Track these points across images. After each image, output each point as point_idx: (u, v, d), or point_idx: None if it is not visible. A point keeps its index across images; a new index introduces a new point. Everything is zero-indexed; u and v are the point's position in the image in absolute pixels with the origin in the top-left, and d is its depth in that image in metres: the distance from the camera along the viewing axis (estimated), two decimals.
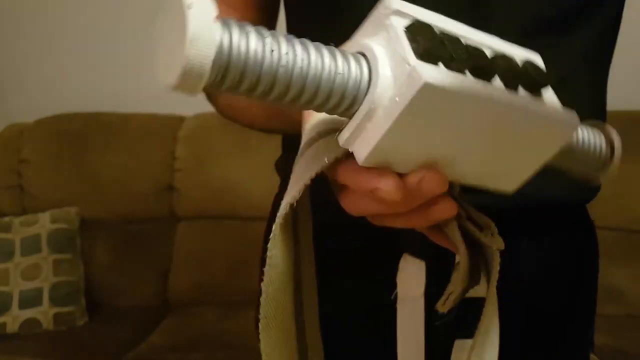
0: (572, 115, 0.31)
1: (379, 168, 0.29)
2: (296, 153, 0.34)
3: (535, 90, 0.30)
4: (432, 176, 0.30)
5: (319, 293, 0.44)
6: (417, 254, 0.44)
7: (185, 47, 0.22)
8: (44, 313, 1.73)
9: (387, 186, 0.29)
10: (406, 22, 0.28)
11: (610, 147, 0.37)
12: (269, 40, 0.25)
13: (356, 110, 0.27)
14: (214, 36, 0.23)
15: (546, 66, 0.32)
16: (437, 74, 0.26)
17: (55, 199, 1.91)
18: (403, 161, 0.29)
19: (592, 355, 0.62)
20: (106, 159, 1.93)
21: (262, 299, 0.34)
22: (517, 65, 0.30)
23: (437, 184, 0.30)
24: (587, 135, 0.35)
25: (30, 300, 1.73)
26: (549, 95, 0.31)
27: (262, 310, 0.34)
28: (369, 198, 0.31)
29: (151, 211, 1.93)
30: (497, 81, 0.29)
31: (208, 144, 1.89)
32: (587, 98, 0.53)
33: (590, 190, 0.56)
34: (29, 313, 1.72)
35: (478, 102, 0.27)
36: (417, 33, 0.27)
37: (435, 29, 0.28)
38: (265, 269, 0.33)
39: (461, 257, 0.34)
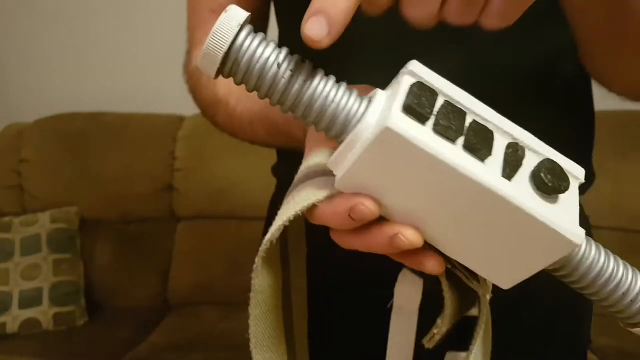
0: (575, 231, 0.29)
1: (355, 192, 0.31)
2: (290, 159, 0.35)
3: (545, 190, 0.29)
4: (409, 233, 0.30)
5: (317, 310, 0.45)
6: (415, 270, 0.45)
7: (209, 37, 0.29)
8: (44, 313, 1.73)
9: (365, 201, 0.30)
10: (413, 82, 0.30)
11: None
12: (277, 54, 0.30)
13: (344, 139, 0.31)
14: (231, 35, 0.29)
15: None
16: (407, 124, 0.28)
17: (55, 199, 1.91)
18: (382, 202, 0.31)
19: (591, 355, 0.62)
20: (106, 159, 1.93)
21: (250, 321, 0.36)
22: (522, 158, 0.30)
23: (410, 241, 0.30)
24: (613, 266, 0.33)
25: (30, 300, 1.73)
26: (566, 201, 0.30)
27: (251, 330, 0.36)
28: (348, 221, 0.31)
29: (151, 211, 1.93)
30: (494, 163, 0.29)
31: (208, 144, 1.89)
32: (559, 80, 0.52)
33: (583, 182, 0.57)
34: (29, 313, 1.72)
35: (448, 169, 0.28)
36: (416, 91, 0.29)
37: (442, 96, 0.30)
38: (251, 294, 0.35)
39: (447, 305, 0.35)
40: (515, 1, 0.31)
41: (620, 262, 0.34)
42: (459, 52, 0.48)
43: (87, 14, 2.07)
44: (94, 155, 1.93)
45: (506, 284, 0.33)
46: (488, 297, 0.37)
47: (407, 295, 0.42)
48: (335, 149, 0.32)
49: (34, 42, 2.12)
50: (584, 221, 0.61)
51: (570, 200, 0.31)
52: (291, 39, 0.53)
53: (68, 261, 1.81)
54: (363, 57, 0.50)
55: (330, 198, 0.31)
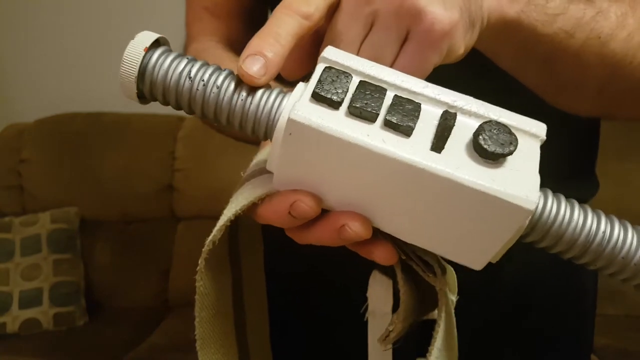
0: (526, 197, 0.26)
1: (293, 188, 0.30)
2: None
3: (486, 155, 0.27)
4: (356, 223, 0.30)
5: (287, 309, 0.44)
6: (385, 272, 0.45)
7: (120, 65, 0.30)
8: (44, 313, 1.73)
9: (304, 197, 0.30)
10: (324, 67, 0.29)
11: None
12: (189, 68, 0.30)
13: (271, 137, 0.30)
14: (137, 60, 0.30)
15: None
16: (312, 113, 0.27)
17: (55, 199, 1.91)
18: (324, 197, 0.30)
19: (592, 356, 0.62)
20: (106, 159, 1.93)
21: (196, 322, 0.36)
22: (452, 124, 0.28)
23: (357, 232, 0.30)
24: (591, 222, 0.29)
25: (30, 300, 1.73)
26: (518, 165, 0.27)
27: (197, 332, 0.36)
28: (290, 218, 0.30)
29: (151, 211, 1.93)
30: (417, 136, 0.27)
31: (208, 144, 1.89)
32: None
33: (588, 188, 0.56)
34: (29, 313, 1.72)
35: (364, 152, 0.27)
36: (328, 78, 0.28)
37: (357, 76, 0.29)
38: (196, 297, 0.35)
39: (402, 300, 0.34)
40: (415, 70, 0.31)
41: (603, 216, 0.29)
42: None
43: (87, 14, 2.07)
44: (94, 156, 1.93)
45: (476, 264, 0.30)
46: (453, 298, 0.35)
47: (378, 298, 0.42)
48: None
49: (34, 42, 2.11)
50: None
51: (525, 162, 0.27)
52: None
53: (68, 261, 1.81)
54: None
55: (270, 196, 0.31)
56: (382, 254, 0.31)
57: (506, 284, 0.54)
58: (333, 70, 0.29)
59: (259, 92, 0.30)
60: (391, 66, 0.32)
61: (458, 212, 0.27)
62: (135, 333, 1.71)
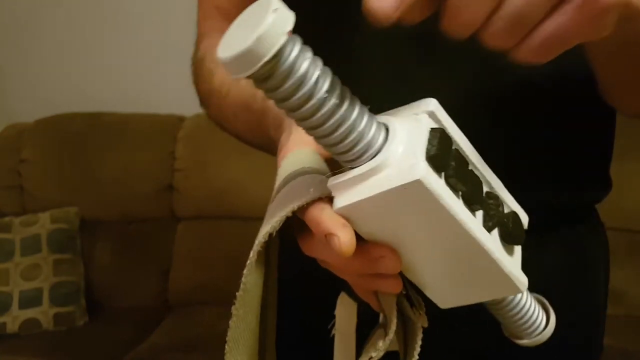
0: (523, 281, 0.33)
1: (345, 221, 0.31)
2: None
3: (507, 241, 0.33)
4: (393, 258, 0.31)
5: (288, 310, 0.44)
6: (351, 295, 0.45)
7: (253, 38, 0.26)
8: (44, 313, 1.73)
9: (344, 236, 0.30)
10: (433, 126, 0.31)
11: (546, 321, 0.40)
12: (318, 73, 0.28)
13: (356, 166, 0.30)
14: (277, 43, 0.26)
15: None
16: (433, 178, 0.28)
17: (55, 199, 1.91)
18: (371, 229, 0.32)
19: None
20: (106, 159, 1.93)
21: (231, 322, 0.35)
22: (503, 212, 0.33)
23: (393, 266, 0.32)
24: (529, 303, 0.39)
25: (30, 300, 1.73)
26: (517, 252, 0.34)
27: (230, 333, 0.35)
28: (324, 244, 0.31)
29: (151, 211, 1.93)
30: (479, 215, 0.31)
31: (208, 144, 1.89)
32: (583, 88, 0.49)
33: (599, 190, 0.55)
34: (29, 313, 1.72)
35: (452, 222, 0.30)
36: (437, 139, 0.30)
37: (454, 145, 0.31)
38: (239, 293, 0.35)
39: (390, 329, 0.36)
40: (560, 39, 0.28)
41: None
42: (470, 65, 0.47)
43: (87, 14, 2.07)
44: (94, 156, 1.93)
45: (445, 304, 0.36)
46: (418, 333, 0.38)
47: (344, 319, 0.44)
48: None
49: (34, 43, 2.11)
50: (598, 228, 0.59)
51: (517, 250, 0.34)
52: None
53: (68, 261, 1.81)
54: (369, 59, 0.50)
55: (322, 211, 0.31)
56: (392, 283, 0.33)
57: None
58: (443, 133, 0.30)
59: (365, 118, 0.30)
60: (535, 27, 0.28)
61: (475, 274, 0.33)
62: (135, 333, 1.71)
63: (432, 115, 0.31)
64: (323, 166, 0.36)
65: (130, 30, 2.05)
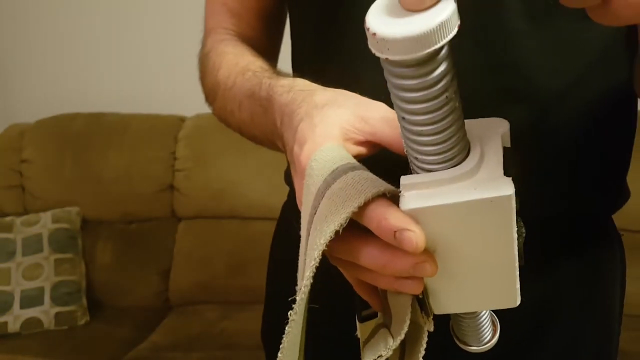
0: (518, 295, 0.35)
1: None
2: None
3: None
4: (434, 263, 0.32)
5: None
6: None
7: (437, 22, 0.25)
8: (45, 312, 1.73)
9: (420, 231, 0.30)
10: (506, 145, 0.32)
11: (493, 332, 0.42)
12: (454, 71, 0.28)
13: (433, 170, 0.31)
14: (453, 30, 0.26)
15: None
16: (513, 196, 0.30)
17: (56, 199, 1.91)
18: (427, 234, 0.31)
19: None
20: (107, 159, 1.93)
21: (287, 328, 0.34)
22: (523, 231, 0.34)
23: (432, 271, 0.32)
24: (487, 314, 0.41)
25: (31, 299, 1.74)
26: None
27: (287, 336, 0.34)
28: (374, 246, 0.31)
29: (152, 211, 1.94)
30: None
31: (208, 144, 1.90)
32: (604, 99, 0.49)
33: (616, 199, 0.55)
34: (30, 312, 1.72)
35: (509, 238, 0.31)
36: (508, 157, 0.31)
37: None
38: (300, 297, 0.33)
39: (402, 329, 0.35)
40: None
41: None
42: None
43: (87, 14, 2.07)
44: (95, 156, 1.94)
45: (439, 310, 0.36)
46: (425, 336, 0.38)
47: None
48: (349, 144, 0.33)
49: (35, 43, 2.12)
50: (614, 237, 0.59)
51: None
52: (304, 47, 0.52)
53: (69, 261, 1.81)
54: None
55: (389, 207, 0.31)
56: (417, 285, 0.33)
57: (526, 306, 0.54)
58: (509, 152, 0.31)
59: (462, 130, 0.31)
60: None
61: (487, 284, 0.34)
62: (136, 332, 1.71)
63: (503, 135, 0.32)
64: (357, 163, 0.35)
65: (132, 31, 2.05)
